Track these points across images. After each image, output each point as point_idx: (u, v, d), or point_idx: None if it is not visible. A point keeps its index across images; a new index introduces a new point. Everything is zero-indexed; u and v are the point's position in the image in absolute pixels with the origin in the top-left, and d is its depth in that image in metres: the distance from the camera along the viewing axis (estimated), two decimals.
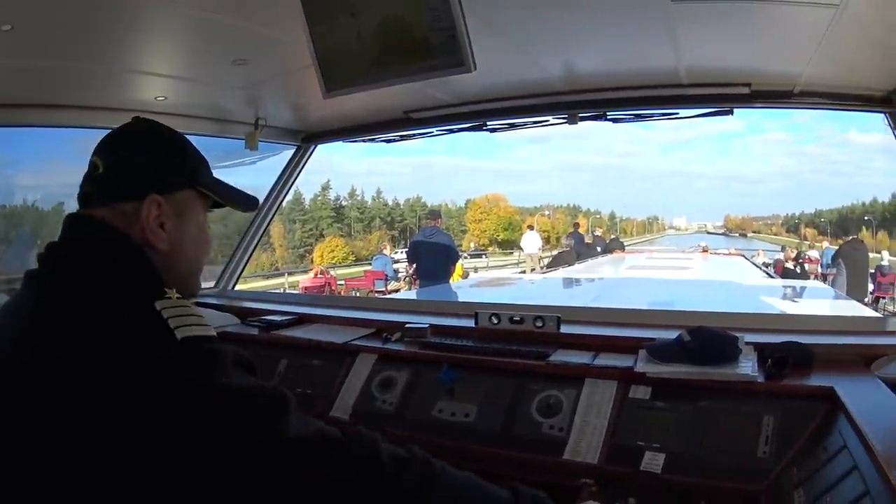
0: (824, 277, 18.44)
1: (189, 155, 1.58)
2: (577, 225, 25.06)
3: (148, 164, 1.48)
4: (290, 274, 31.47)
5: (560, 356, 2.87)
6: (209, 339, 1.29)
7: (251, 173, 5.00)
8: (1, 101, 3.35)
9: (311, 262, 59.02)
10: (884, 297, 19.39)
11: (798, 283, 12.82)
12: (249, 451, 1.19)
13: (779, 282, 13.16)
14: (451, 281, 11.24)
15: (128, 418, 1.15)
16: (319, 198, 70.18)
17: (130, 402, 1.16)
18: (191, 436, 1.16)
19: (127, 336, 1.24)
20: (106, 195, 1.44)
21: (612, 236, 27.92)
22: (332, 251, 63.99)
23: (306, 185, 68.29)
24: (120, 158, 1.49)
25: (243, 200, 1.74)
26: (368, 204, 75.24)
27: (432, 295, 8.42)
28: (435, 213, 12.11)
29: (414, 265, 11.13)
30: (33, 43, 2.69)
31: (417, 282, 11.45)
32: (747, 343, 2.63)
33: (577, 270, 15.23)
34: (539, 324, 3.16)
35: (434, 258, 10.55)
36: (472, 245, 66.94)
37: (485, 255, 58.01)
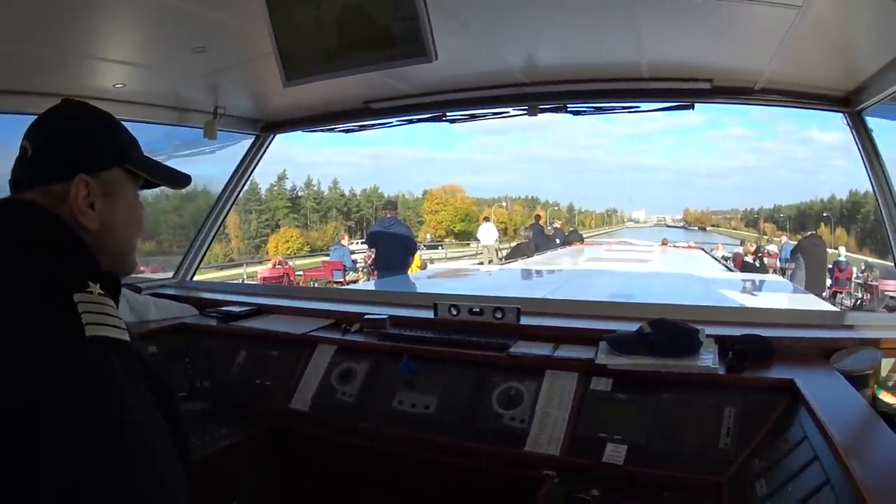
0: (783, 272, 18.69)
1: (117, 134, 1.56)
2: (538, 217, 25.14)
3: (76, 145, 1.47)
4: (247, 265, 31.30)
5: (520, 348, 2.89)
6: (117, 344, 1.23)
7: (209, 163, 4.96)
8: None
9: (267, 252, 58.67)
10: (840, 293, 19.69)
11: (758, 276, 12.90)
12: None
13: (738, 275, 13.25)
14: (409, 272, 11.25)
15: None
16: (276, 188, 69.82)
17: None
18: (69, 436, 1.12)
19: (31, 327, 1.19)
20: (35, 177, 1.43)
21: (571, 228, 28.10)
22: (287, 242, 63.39)
23: (264, 175, 67.93)
24: (48, 140, 1.47)
25: (175, 178, 1.72)
26: (325, 194, 74.89)
27: (391, 286, 8.42)
28: (392, 204, 12.03)
29: (372, 255, 11.08)
30: None
31: (375, 272, 11.39)
32: (708, 336, 2.67)
33: (536, 262, 15.27)
34: (499, 315, 3.17)
35: (392, 249, 10.55)
36: (428, 236, 66.81)
37: (441, 246, 58.03)
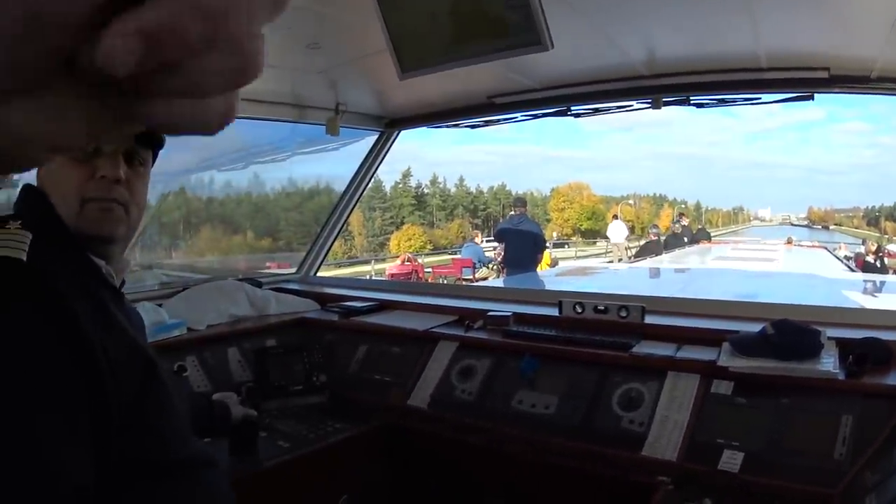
0: None
1: None
2: (682, 216, 25.01)
3: None
4: (375, 261, 31.70)
5: (643, 348, 2.82)
6: (6, 259, 1.17)
7: (332, 161, 5.01)
8: None
9: (389, 250, 59.13)
10: None
11: (879, 277, 12.67)
12: None
13: (860, 275, 13.12)
14: (538, 269, 11.24)
15: None
16: (400, 185, 70.47)
17: None
18: None
19: None
20: None
21: (699, 226, 27.71)
22: (410, 240, 63.46)
23: (390, 173, 68.63)
24: None
25: None
26: (451, 192, 75.25)
27: (519, 283, 8.41)
28: (521, 201, 12.03)
29: (502, 252, 11.07)
30: None
31: (505, 270, 11.38)
32: (829, 338, 2.55)
33: (665, 261, 15.18)
34: (623, 314, 3.10)
35: (521, 246, 10.58)
36: (554, 234, 66.34)
37: (567, 244, 57.61)
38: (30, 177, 1.54)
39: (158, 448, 1.35)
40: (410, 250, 49.02)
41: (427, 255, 35.43)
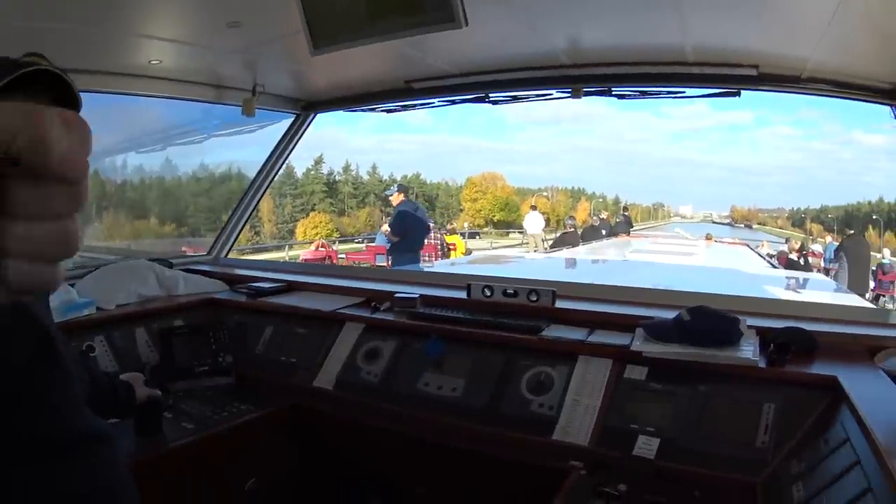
0: (827, 272, 18.52)
1: None
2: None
3: None
4: (289, 247, 31.39)
5: (553, 331, 2.85)
6: None
7: (248, 147, 4.97)
8: None
9: (295, 237, 58.37)
10: (884, 296, 19.42)
11: (802, 274, 12.94)
12: None
13: (783, 272, 13.35)
14: (451, 256, 11.30)
15: None
16: (312, 172, 69.66)
17: None
18: None
19: None
20: None
21: (618, 219, 28.04)
22: (316, 227, 62.04)
23: (306, 160, 67.77)
24: None
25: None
26: (364, 179, 74.73)
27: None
28: (404, 187, 12.01)
29: (396, 238, 11.00)
30: (20, 2, 2.63)
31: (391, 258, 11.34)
32: (749, 326, 2.59)
33: (581, 252, 15.30)
34: (533, 297, 3.13)
35: (420, 232, 10.67)
36: (465, 225, 66.22)
37: (479, 234, 57.64)
38: None
39: (55, 424, 1.33)
40: (316, 237, 48.56)
41: (339, 241, 35.12)
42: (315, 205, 67.78)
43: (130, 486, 1.50)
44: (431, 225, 13.14)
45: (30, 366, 1.28)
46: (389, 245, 11.14)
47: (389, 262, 11.15)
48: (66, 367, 1.40)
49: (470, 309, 3.19)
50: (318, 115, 4.73)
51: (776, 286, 7.63)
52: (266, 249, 34.67)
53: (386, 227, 11.67)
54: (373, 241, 21.71)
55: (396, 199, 11.03)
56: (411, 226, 10.53)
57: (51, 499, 1.28)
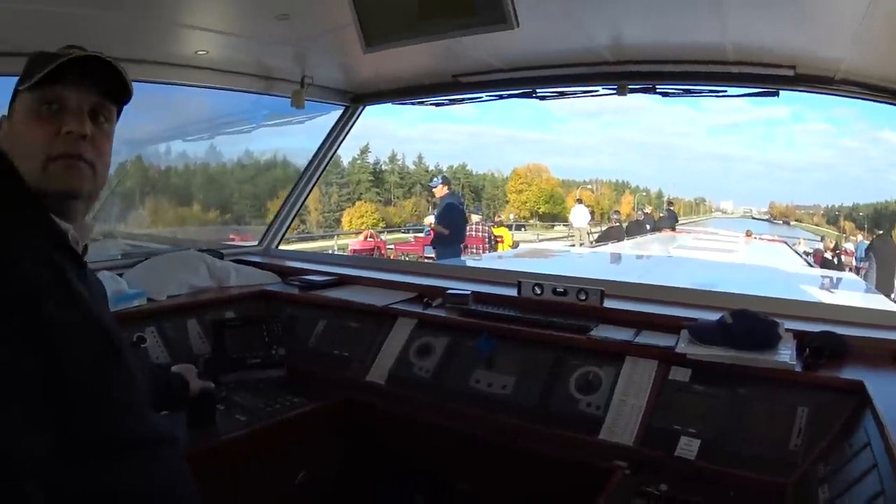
0: (858, 270, 18.34)
1: (24, 68, 1.56)
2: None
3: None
4: (322, 238, 31.51)
5: (602, 331, 2.84)
6: None
7: (292, 134, 4.99)
8: (25, 50, 3.28)
9: (341, 227, 58.37)
10: None
11: (835, 273, 12.93)
12: None
13: (818, 271, 13.40)
14: (499, 249, 11.36)
15: None
16: (358, 161, 69.61)
17: None
18: None
19: None
20: None
21: (661, 214, 27.83)
22: (362, 217, 62.59)
23: (351, 149, 67.67)
24: None
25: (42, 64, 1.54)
26: (411, 169, 74.63)
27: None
28: (447, 179, 12.02)
29: (446, 231, 11.01)
30: None
31: (436, 249, 11.35)
32: (787, 330, 2.58)
33: (626, 247, 15.30)
34: (582, 296, 3.12)
35: (462, 225, 10.71)
36: (511, 216, 65.80)
37: (525, 227, 57.36)
38: None
39: (115, 424, 1.35)
40: (362, 227, 48.48)
41: (387, 231, 35.14)
42: (361, 194, 67.79)
43: (190, 489, 1.52)
44: (479, 217, 13.22)
45: (95, 366, 1.29)
46: (434, 237, 11.17)
47: (426, 255, 11.21)
48: (129, 369, 1.42)
49: (520, 307, 3.18)
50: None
51: (812, 285, 7.64)
52: (312, 238, 34.82)
53: (430, 220, 11.68)
54: (420, 233, 21.76)
55: (440, 191, 11.04)
56: (457, 218, 10.55)
57: (107, 496, 1.30)
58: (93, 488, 1.27)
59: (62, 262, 1.36)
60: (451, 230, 10.54)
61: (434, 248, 11.47)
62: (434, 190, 11.30)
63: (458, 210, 10.66)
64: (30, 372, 1.15)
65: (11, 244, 1.24)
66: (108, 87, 1.54)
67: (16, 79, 1.54)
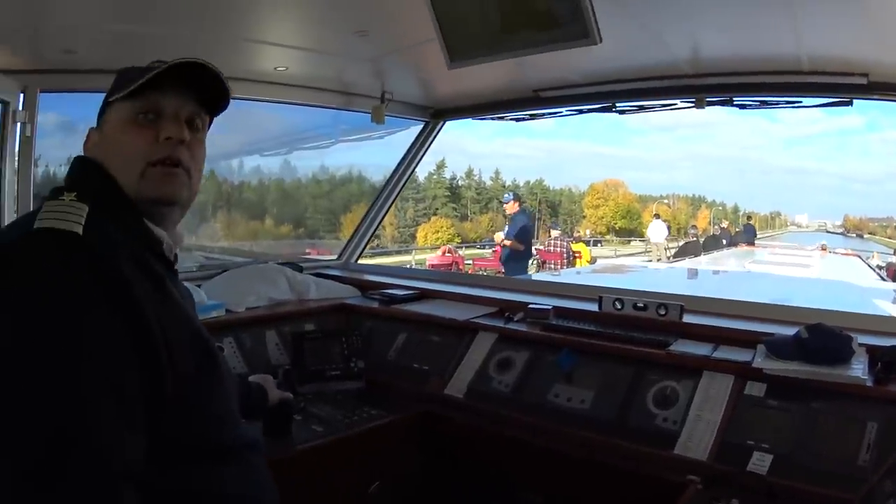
0: None
1: (115, 81, 1.58)
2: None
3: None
4: (396, 253, 31.68)
5: (681, 346, 2.82)
6: (61, 235, 1.22)
7: (375, 146, 5.03)
8: (111, 67, 3.35)
9: (416, 242, 58.38)
10: None
11: None
12: None
13: (891, 284, 13.18)
14: (577, 265, 11.45)
15: None
16: (434, 176, 69.71)
17: None
18: None
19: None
20: None
21: (737, 229, 27.53)
22: (437, 232, 62.17)
23: (425, 164, 67.78)
24: None
25: (136, 76, 1.53)
26: (487, 184, 74.55)
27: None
28: (517, 195, 12.10)
29: (522, 247, 11.10)
30: (144, 8, 2.73)
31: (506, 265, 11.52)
32: (859, 344, 2.54)
33: (703, 262, 15.24)
34: (662, 311, 3.10)
35: (530, 241, 10.81)
36: (587, 232, 65.35)
37: (601, 242, 56.98)
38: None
39: (211, 430, 1.37)
40: (437, 243, 48.49)
41: (463, 247, 35.17)
42: (437, 209, 67.84)
43: (276, 497, 1.53)
44: (558, 232, 13.33)
45: (194, 372, 1.31)
46: (503, 253, 11.25)
47: (503, 271, 11.31)
48: (224, 375, 1.44)
49: (600, 321, 3.17)
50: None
51: (884, 300, 7.56)
52: (387, 253, 35.05)
53: (500, 236, 11.79)
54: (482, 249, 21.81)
55: (511, 207, 11.11)
56: (527, 234, 10.63)
57: (203, 502, 1.31)
58: (190, 493, 1.30)
59: (160, 270, 1.38)
60: (526, 248, 10.63)
61: (503, 263, 11.63)
62: (505, 206, 11.40)
63: (528, 226, 10.72)
64: (132, 377, 1.17)
65: (115, 253, 1.25)
66: (204, 95, 1.58)
67: (98, 95, 1.57)
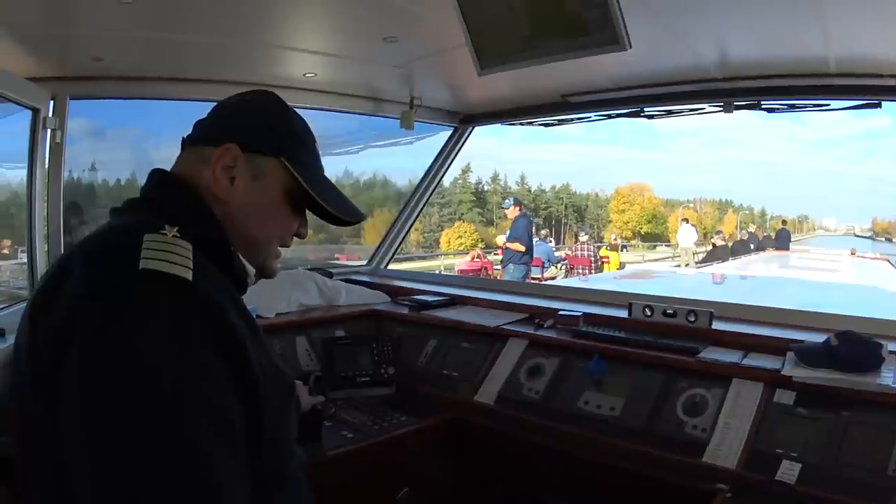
0: None
1: (287, 126, 1.56)
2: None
3: (242, 121, 1.50)
4: (420, 259, 31.68)
5: (710, 353, 2.80)
6: (171, 279, 1.18)
7: (402, 154, 5.04)
8: (139, 74, 3.45)
9: (440, 247, 58.31)
10: None
11: None
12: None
13: None
14: (605, 270, 11.58)
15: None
16: (459, 181, 69.67)
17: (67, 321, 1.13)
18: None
19: (94, 261, 1.22)
20: (196, 138, 1.49)
21: (766, 234, 27.39)
22: (461, 237, 62.95)
23: (453, 169, 67.24)
24: (223, 111, 1.54)
25: (338, 206, 1.58)
26: (514, 189, 74.27)
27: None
28: (518, 200, 12.22)
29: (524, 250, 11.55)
30: (172, 15, 2.75)
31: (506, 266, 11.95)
32: (890, 352, 2.50)
33: (731, 267, 15.16)
34: (692, 318, 3.08)
35: (531, 243, 11.09)
36: (612, 237, 65.01)
37: (627, 247, 56.73)
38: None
39: (281, 460, 1.39)
40: (461, 248, 48.37)
41: (487, 252, 35.20)
42: (463, 214, 67.83)
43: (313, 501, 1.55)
44: (586, 236, 13.37)
45: (279, 406, 1.32)
46: (507, 257, 11.38)
47: (501, 275, 11.46)
48: (295, 409, 1.45)
49: (630, 328, 3.16)
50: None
51: None
52: (410, 259, 35.04)
53: (501, 239, 11.94)
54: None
55: (512, 212, 11.23)
56: (528, 237, 10.79)
57: None
58: None
59: (245, 305, 1.38)
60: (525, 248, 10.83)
61: (503, 264, 12.00)
62: (507, 211, 11.52)
63: (529, 229, 10.93)
64: (237, 415, 1.17)
65: (222, 299, 1.25)
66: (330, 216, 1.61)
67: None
